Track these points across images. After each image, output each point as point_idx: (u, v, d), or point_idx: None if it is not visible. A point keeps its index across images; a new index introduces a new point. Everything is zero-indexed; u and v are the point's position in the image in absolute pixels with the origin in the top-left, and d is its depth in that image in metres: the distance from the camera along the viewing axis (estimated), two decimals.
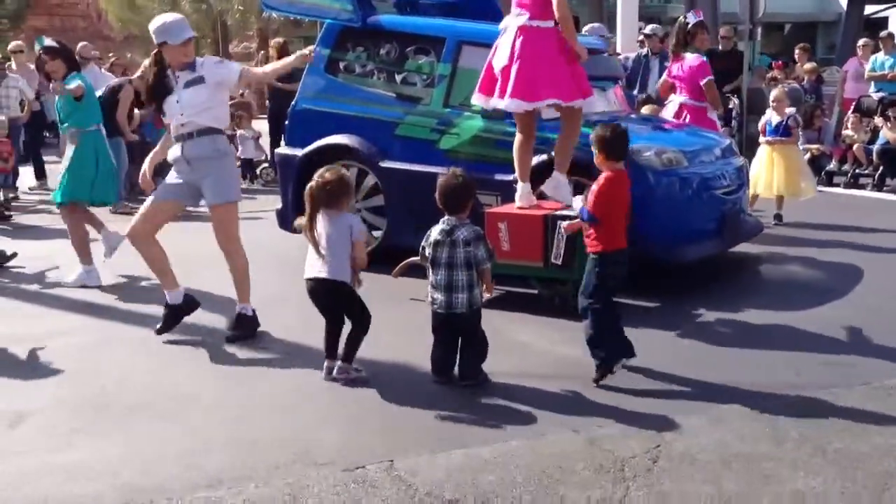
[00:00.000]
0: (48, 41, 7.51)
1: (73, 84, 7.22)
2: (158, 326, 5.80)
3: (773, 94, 9.69)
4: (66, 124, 7.42)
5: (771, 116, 9.32)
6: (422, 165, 6.97)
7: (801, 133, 9.35)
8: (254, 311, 5.81)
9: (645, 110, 9.43)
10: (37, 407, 4.66)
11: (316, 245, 4.87)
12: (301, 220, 4.97)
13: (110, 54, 15.46)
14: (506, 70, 6.12)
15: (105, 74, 13.53)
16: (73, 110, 7.30)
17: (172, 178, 5.83)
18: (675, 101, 8.56)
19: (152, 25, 5.63)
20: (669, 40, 8.86)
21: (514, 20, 6.17)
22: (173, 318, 5.83)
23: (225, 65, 5.88)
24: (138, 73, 11.34)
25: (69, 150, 7.34)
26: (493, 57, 6.26)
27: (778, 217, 9.03)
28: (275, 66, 6.12)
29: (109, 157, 7.50)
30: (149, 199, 5.89)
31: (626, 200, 4.90)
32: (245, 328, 5.75)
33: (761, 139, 9.28)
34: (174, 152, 5.75)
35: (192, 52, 5.67)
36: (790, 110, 9.34)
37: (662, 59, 11.94)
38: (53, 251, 8.17)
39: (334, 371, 4.93)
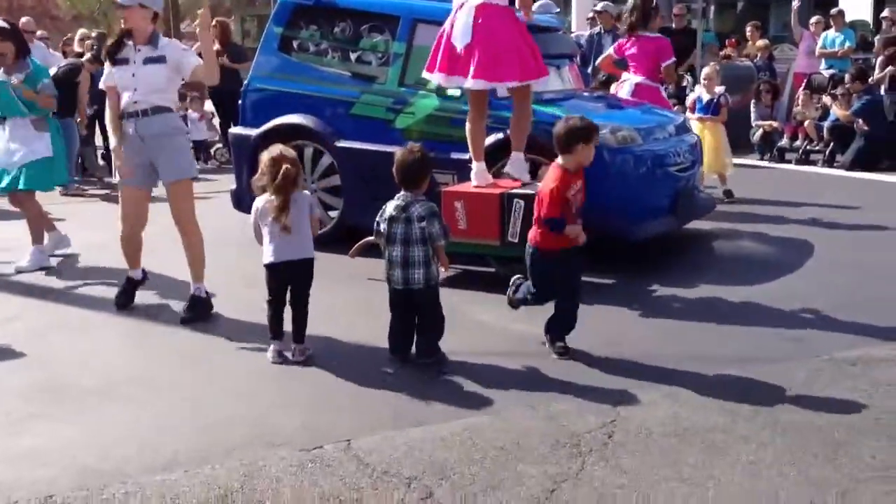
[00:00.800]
0: (2, 21, 7.29)
1: (46, 91, 7.07)
2: (117, 299, 5.93)
3: (705, 71, 9.75)
4: (30, 111, 7.16)
5: (701, 93, 9.41)
6: (378, 145, 6.95)
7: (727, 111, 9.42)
8: (208, 292, 5.76)
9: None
10: None
11: (289, 229, 4.82)
12: (269, 205, 4.88)
13: (69, 35, 15.15)
14: (468, 49, 6.05)
15: (54, 54, 13.28)
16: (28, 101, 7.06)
17: (128, 162, 5.74)
18: (631, 80, 8.57)
19: None
20: (625, 17, 8.80)
21: None
22: (133, 289, 5.98)
23: (188, 54, 5.79)
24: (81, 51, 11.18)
25: (40, 139, 7.10)
26: (451, 34, 6.19)
27: (728, 193, 9.11)
28: (206, 61, 5.71)
29: (60, 139, 7.35)
30: (120, 199, 5.88)
31: (579, 198, 4.93)
32: (199, 309, 5.71)
33: (689, 115, 9.29)
34: (127, 129, 5.67)
35: (129, 18, 5.55)
36: (720, 88, 9.43)
37: (615, 36, 11.98)
38: (2, 235, 8.03)
39: (293, 353, 4.90)
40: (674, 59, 8.49)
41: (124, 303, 5.93)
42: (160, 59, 5.57)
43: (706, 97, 9.31)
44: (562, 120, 5.01)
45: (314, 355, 4.92)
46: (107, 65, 5.73)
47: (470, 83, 6.11)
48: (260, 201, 4.96)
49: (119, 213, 5.92)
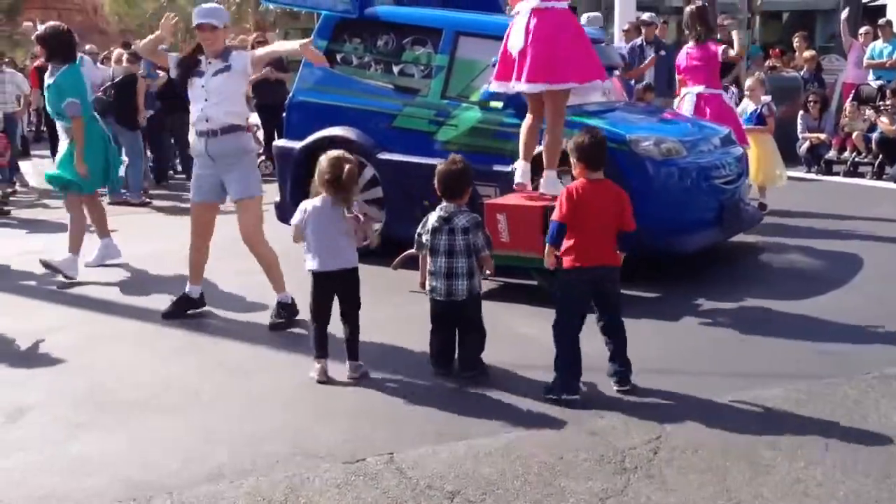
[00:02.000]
0: (39, 28, 7.50)
1: (70, 111, 7.08)
2: (166, 310, 5.99)
3: (748, 82, 9.65)
4: (60, 119, 7.36)
5: (746, 105, 9.30)
6: (420, 157, 6.95)
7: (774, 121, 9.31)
8: (292, 298, 5.83)
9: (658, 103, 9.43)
10: (37, 401, 4.66)
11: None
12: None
13: (112, 49, 15.45)
14: (522, 53, 6.02)
15: (98, 68, 13.51)
16: (61, 107, 7.12)
17: (197, 173, 5.97)
18: (692, 91, 8.49)
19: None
20: (692, 27, 8.71)
21: (526, 3, 6.08)
22: (185, 307, 6.03)
23: (242, 53, 6.01)
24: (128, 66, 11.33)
25: (65, 146, 7.27)
26: (508, 41, 6.15)
27: (761, 206, 8.93)
28: (273, 46, 6.13)
29: (109, 142, 7.49)
30: (191, 213, 6.09)
31: (605, 212, 4.56)
32: (287, 315, 5.81)
33: None
34: (198, 146, 5.85)
35: (213, 39, 5.74)
36: (765, 98, 9.31)
37: (658, 47, 11.92)
38: (52, 246, 8.13)
39: (348, 371, 4.86)
40: (724, 46, 8.46)
41: (172, 314, 6.00)
42: (227, 69, 5.75)
43: (751, 108, 9.21)
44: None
45: (367, 372, 4.90)
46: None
47: (524, 86, 6.05)
48: (309, 203, 4.93)
49: (189, 225, 6.09)
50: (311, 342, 4.96)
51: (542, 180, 6.23)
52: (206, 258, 6.12)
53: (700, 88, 8.40)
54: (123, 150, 10.36)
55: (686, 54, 8.64)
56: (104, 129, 7.47)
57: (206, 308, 6.14)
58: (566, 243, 4.56)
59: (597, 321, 4.65)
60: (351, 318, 4.92)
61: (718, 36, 9.30)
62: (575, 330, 4.58)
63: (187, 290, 6.09)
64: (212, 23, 5.70)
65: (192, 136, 5.96)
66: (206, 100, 5.74)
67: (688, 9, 8.79)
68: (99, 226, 7.59)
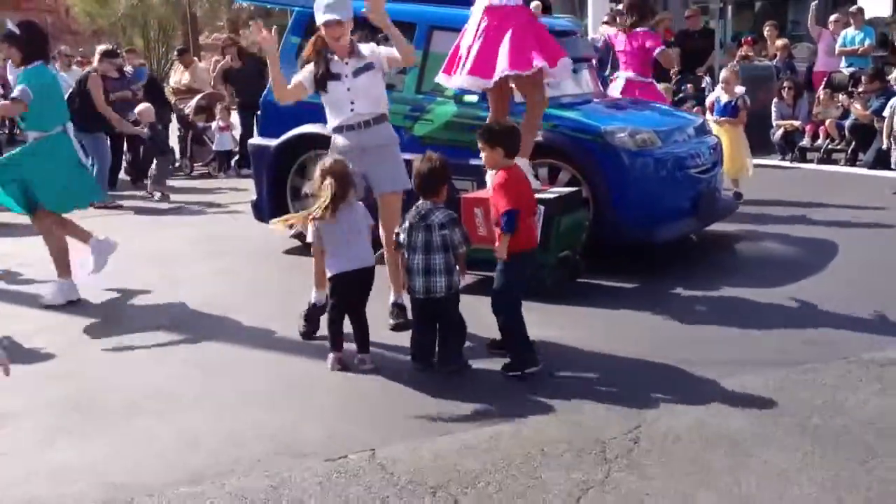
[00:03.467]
0: (10, 26, 6.75)
1: (14, 92, 6.52)
2: (302, 329, 5.48)
3: (723, 74, 9.67)
4: (25, 125, 6.81)
5: (720, 95, 9.35)
6: None
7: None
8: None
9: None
10: (18, 407, 4.62)
11: (319, 240, 4.89)
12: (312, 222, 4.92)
13: (80, 49, 15.37)
14: (469, 49, 6.13)
15: (63, 74, 13.46)
16: (31, 112, 6.50)
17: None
18: (621, 76, 8.69)
19: None
20: (622, 17, 8.93)
21: (481, 1, 6.16)
22: (317, 316, 5.53)
23: (380, 49, 5.61)
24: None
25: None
26: (462, 39, 6.26)
27: (737, 195, 8.97)
28: (398, 42, 5.49)
29: (78, 159, 6.78)
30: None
31: (529, 196, 4.88)
32: (406, 315, 5.52)
33: (709, 117, 9.21)
34: (343, 142, 5.55)
35: (338, 36, 5.41)
36: (739, 90, 9.36)
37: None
38: (28, 249, 8.06)
39: (360, 363, 4.89)
40: (663, 46, 8.57)
41: (311, 331, 5.50)
42: (370, 66, 5.50)
43: (725, 99, 9.25)
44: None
45: (379, 367, 4.91)
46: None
47: (461, 80, 6.17)
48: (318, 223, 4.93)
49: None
50: (329, 335, 4.98)
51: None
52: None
53: (630, 74, 8.58)
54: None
55: (620, 40, 8.81)
56: (71, 145, 6.69)
57: (183, 312, 6.09)
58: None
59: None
60: (361, 312, 4.96)
61: (653, 27, 9.36)
62: (520, 307, 4.82)
63: (313, 300, 5.55)
64: (336, 18, 5.35)
65: (338, 139, 5.61)
66: (352, 102, 5.49)
67: None
68: (62, 258, 6.67)
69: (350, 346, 4.98)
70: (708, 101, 9.59)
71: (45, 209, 6.55)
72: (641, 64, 8.59)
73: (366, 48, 5.56)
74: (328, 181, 4.82)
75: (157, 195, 10.98)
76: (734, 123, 9.14)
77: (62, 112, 6.71)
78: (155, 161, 11.26)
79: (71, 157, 6.68)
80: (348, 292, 4.95)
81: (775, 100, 12.45)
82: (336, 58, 5.49)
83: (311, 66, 5.54)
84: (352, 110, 5.52)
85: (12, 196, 6.55)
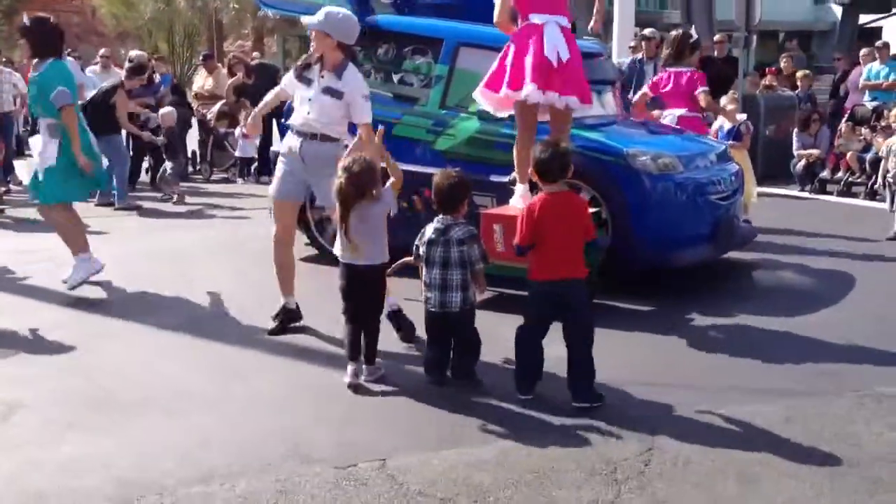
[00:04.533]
0: (26, 18, 6.93)
1: (59, 100, 6.60)
2: (272, 327, 5.73)
3: (723, 100, 9.64)
4: (36, 111, 6.98)
5: (723, 122, 9.33)
6: (418, 166, 6.97)
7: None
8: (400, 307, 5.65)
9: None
10: (31, 400, 4.65)
11: (349, 238, 4.79)
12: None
13: (102, 50, 15.45)
14: (563, 65, 5.90)
15: (87, 75, 13.64)
16: (46, 102, 6.65)
17: (282, 172, 5.74)
18: (673, 114, 8.51)
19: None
20: (664, 51, 8.83)
21: (553, 18, 5.94)
22: (288, 320, 5.79)
23: (362, 105, 5.54)
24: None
25: (51, 145, 6.72)
26: (540, 49, 5.89)
27: (745, 223, 8.91)
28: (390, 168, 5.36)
29: (91, 145, 6.91)
30: (273, 208, 5.91)
31: (567, 225, 4.64)
32: (405, 326, 5.59)
33: None
34: (290, 142, 5.68)
35: (323, 48, 5.48)
36: (741, 116, 9.35)
37: (657, 63, 11.98)
38: (48, 245, 8.12)
39: (365, 374, 4.88)
40: (705, 87, 8.40)
41: (277, 333, 5.73)
42: (337, 95, 5.49)
43: (727, 126, 9.25)
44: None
45: (385, 375, 4.91)
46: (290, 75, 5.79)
47: (570, 99, 5.97)
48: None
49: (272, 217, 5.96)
50: (345, 343, 4.95)
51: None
52: (292, 266, 5.93)
53: (681, 111, 8.42)
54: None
55: (663, 77, 8.63)
56: (86, 134, 6.89)
57: (202, 312, 6.12)
58: (533, 256, 4.70)
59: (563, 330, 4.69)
60: (372, 321, 4.93)
61: (714, 54, 9.25)
62: (534, 336, 4.71)
63: (285, 303, 5.83)
64: (317, 27, 5.43)
65: (286, 137, 5.78)
66: (308, 113, 5.56)
67: (673, 33, 8.84)
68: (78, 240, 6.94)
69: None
70: (712, 130, 9.53)
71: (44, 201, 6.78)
72: (688, 102, 8.45)
73: (349, 78, 5.52)
74: (341, 179, 4.80)
75: (175, 197, 11.04)
76: (739, 148, 9.11)
77: (77, 103, 6.91)
78: (168, 163, 11.37)
79: (86, 143, 6.82)
80: (351, 286, 4.89)
81: (796, 130, 12.43)
82: (319, 66, 5.57)
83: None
84: (307, 115, 5.57)
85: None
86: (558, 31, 5.94)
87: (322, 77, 5.54)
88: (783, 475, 3.81)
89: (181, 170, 11.92)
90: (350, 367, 4.87)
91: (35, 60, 6.86)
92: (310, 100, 5.56)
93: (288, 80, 5.82)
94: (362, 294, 4.90)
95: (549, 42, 5.89)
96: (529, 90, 5.91)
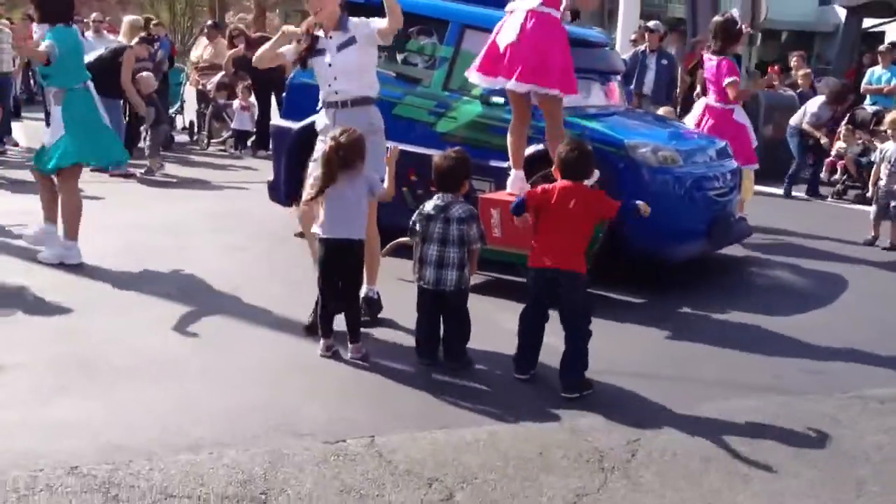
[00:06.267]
0: None
1: (42, 47, 6.52)
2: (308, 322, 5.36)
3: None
4: (47, 82, 6.88)
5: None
6: (417, 146, 6.95)
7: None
8: (379, 293, 5.60)
9: (661, 111, 9.45)
10: (21, 362, 4.64)
11: (316, 209, 4.78)
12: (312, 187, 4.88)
13: (108, 18, 15.36)
14: (514, 48, 5.94)
15: (87, 40, 13.47)
16: (54, 70, 6.59)
17: (319, 150, 5.45)
18: (702, 101, 8.49)
19: None
20: (710, 39, 8.61)
21: (523, 2, 6.07)
22: (371, 313, 5.53)
23: (370, 22, 5.49)
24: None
25: (56, 112, 6.69)
26: (498, 35, 6.07)
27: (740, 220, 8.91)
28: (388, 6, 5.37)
29: (101, 116, 6.85)
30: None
31: (570, 218, 4.63)
32: (371, 310, 5.52)
33: None
34: (324, 120, 5.55)
35: (316, 9, 5.38)
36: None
37: (660, 56, 11.98)
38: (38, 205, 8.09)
39: (350, 353, 4.87)
40: (732, 78, 8.28)
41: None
42: (351, 41, 5.42)
43: None
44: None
45: (368, 353, 4.91)
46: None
47: (512, 84, 6.01)
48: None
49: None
50: (318, 321, 4.97)
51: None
52: None
53: (710, 100, 8.38)
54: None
55: (709, 66, 8.52)
56: (97, 105, 6.81)
57: (195, 283, 6.10)
58: (532, 243, 4.70)
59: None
60: (352, 297, 4.93)
61: (692, 46, 9.10)
62: (533, 319, 4.74)
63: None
64: None
65: (318, 118, 5.65)
66: (335, 78, 5.42)
67: (717, 18, 8.67)
68: (76, 221, 6.70)
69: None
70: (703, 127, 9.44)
71: (71, 164, 6.63)
72: (721, 90, 8.37)
73: (354, 22, 5.47)
74: (329, 145, 4.79)
75: (146, 169, 10.82)
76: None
77: (83, 71, 6.80)
78: (149, 132, 11.22)
79: (94, 110, 6.77)
80: (328, 261, 4.87)
81: (822, 100, 12.13)
82: (322, 33, 5.47)
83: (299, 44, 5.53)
84: (330, 86, 5.47)
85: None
86: (523, 16, 5.95)
87: (330, 38, 5.45)
88: (770, 470, 3.83)
89: (161, 139, 11.72)
90: (323, 342, 4.90)
91: (42, 25, 6.78)
92: (330, 65, 5.45)
93: (288, 49, 5.60)
94: (340, 270, 4.88)
95: (505, 28, 6.00)
96: (473, 77, 6.18)
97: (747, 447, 4.05)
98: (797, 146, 11.92)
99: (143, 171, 10.74)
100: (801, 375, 5.08)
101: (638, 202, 4.81)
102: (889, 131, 9.08)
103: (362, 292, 5.42)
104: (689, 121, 8.55)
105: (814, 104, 12.00)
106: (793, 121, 12.00)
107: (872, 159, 9.73)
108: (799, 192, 11.68)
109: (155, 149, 11.18)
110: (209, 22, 15.19)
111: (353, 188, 4.85)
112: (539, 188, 4.80)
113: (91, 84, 6.82)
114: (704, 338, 5.67)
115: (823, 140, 11.84)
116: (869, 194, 9.93)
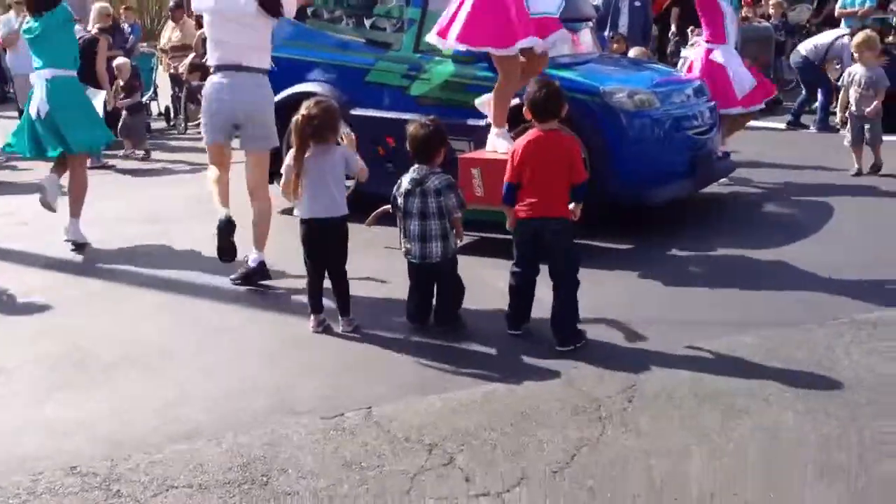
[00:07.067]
0: None
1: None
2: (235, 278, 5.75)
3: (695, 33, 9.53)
4: (40, 64, 6.80)
5: (688, 55, 9.23)
6: (393, 112, 6.92)
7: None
8: (264, 262, 5.73)
9: (633, 52, 9.36)
10: (14, 363, 4.64)
11: (296, 184, 4.76)
12: (288, 160, 4.85)
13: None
14: (458, 9, 5.94)
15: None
16: (44, 52, 6.67)
17: (211, 114, 5.81)
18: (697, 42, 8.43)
19: None
20: None
21: None
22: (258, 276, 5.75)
23: None
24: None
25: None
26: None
27: (725, 155, 8.86)
28: None
29: (91, 103, 7.18)
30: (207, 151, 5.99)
31: (550, 165, 4.58)
32: (253, 276, 5.69)
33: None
34: (216, 79, 5.73)
35: None
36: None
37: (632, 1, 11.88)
38: (22, 206, 8.04)
39: (342, 326, 4.88)
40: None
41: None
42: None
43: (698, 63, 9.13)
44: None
45: (360, 325, 4.92)
46: None
47: (449, 43, 6.03)
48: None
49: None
50: (307, 297, 4.98)
51: (489, 137, 6.19)
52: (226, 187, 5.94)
53: (701, 39, 8.33)
54: None
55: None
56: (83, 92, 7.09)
57: (183, 269, 6.09)
58: (519, 195, 4.67)
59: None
60: (339, 272, 4.91)
61: None
62: (523, 275, 4.73)
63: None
64: None
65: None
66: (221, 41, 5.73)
67: None
68: (81, 198, 6.98)
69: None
70: (680, 65, 9.35)
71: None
72: (711, 28, 8.23)
73: None
74: (296, 118, 4.76)
75: (141, 153, 10.91)
76: None
77: (75, 58, 6.87)
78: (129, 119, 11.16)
79: (86, 98, 7.04)
80: (311, 241, 4.87)
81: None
82: None
83: None
84: (223, 51, 5.68)
85: (43, 139, 6.71)
86: None
87: None
88: (765, 404, 3.86)
89: (141, 124, 11.63)
90: (313, 318, 4.90)
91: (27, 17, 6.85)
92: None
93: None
94: (324, 248, 4.88)
95: None
96: (432, 38, 6.23)
97: (742, 383, 4.06)
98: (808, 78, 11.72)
99: (141, 155, 10.84)
100: (793, 306, 5.10)
101: (570, 205, 4.69)
102: (856, 54, 9.00)
103: (250, 258, 5.62)
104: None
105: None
106: (807, 53, 11.71)
107: (840, 84, 9.68)
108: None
109: (142, 133, 11.20)
110: (171, 3, 14.96)
111: (329, 165, 4.82)
112: (511, 156, 4.71)
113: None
114: (694, 278, 5.68)
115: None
116: (838, 119, 9.88)
